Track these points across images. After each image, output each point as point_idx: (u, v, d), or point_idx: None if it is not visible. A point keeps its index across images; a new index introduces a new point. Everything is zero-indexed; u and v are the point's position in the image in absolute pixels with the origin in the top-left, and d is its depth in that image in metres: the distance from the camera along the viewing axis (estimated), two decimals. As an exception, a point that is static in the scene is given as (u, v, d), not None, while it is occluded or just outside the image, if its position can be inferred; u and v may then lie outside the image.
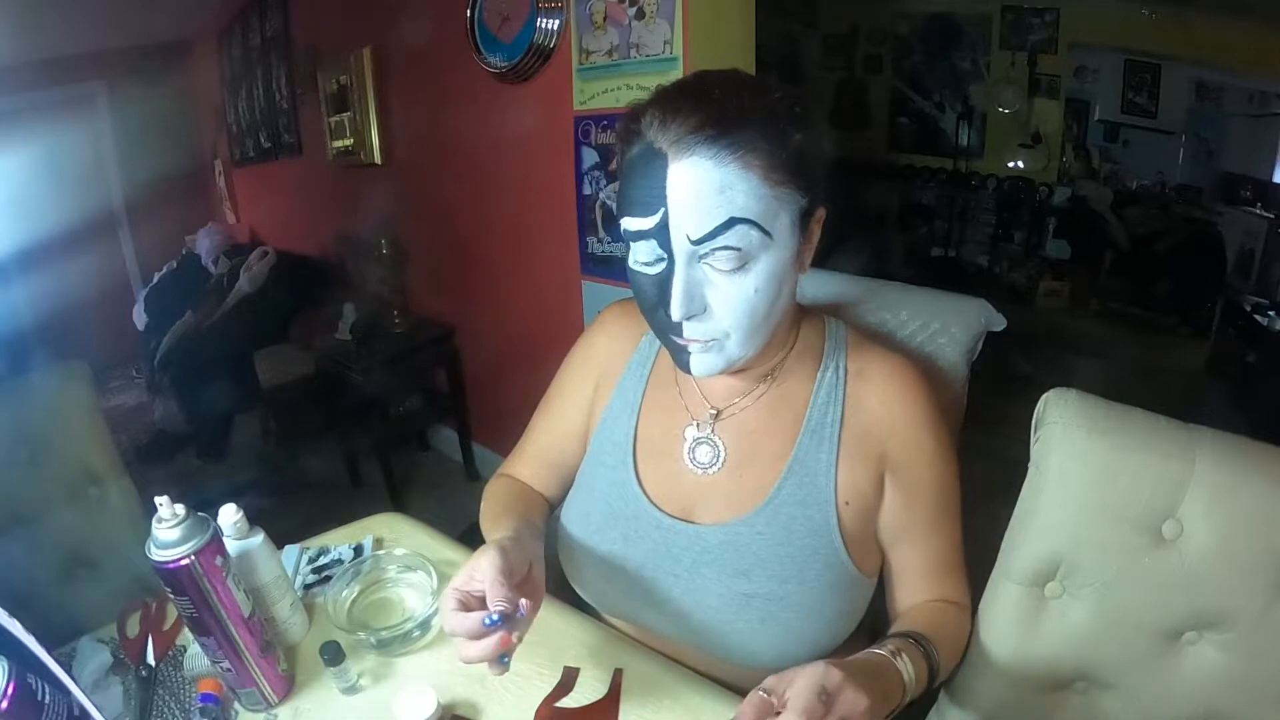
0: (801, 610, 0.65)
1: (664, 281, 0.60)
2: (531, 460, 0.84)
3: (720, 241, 0.57)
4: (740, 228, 0.57)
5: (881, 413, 0.69)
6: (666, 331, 0.63)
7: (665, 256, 0.60)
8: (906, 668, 0.59)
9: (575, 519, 0.77)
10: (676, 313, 0.59)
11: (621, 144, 0.61)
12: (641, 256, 0.61)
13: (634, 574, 0.71)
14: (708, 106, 0.57)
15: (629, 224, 0.60)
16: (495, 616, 0.54)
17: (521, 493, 0.82)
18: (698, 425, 0.72)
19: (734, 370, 0.67)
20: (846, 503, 0.67)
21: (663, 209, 0.57)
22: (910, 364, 0.71)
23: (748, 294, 0.59)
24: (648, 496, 0.72)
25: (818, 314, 0.76)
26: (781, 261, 0.60)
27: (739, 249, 0.57)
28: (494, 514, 0.76)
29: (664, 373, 0.76)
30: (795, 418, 0.70)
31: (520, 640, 0.56)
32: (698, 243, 0.57)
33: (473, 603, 0.56)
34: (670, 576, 0.69)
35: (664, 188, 0.57)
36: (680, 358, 0.64)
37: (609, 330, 0.81)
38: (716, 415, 0.72)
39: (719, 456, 0.71)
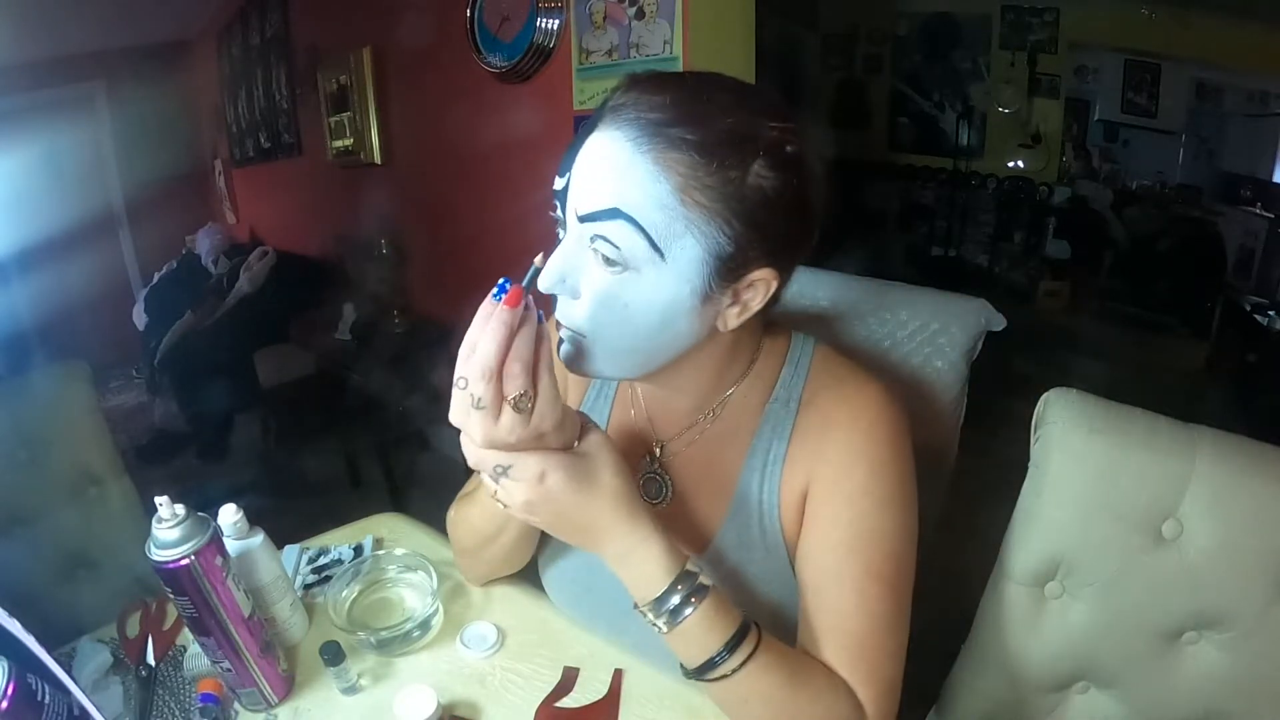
0: None
1: None
2: None
3: (599, 228, 0.49)
4: (623, 224, 0.48)
5: (819, 434, 0.60)
6: None
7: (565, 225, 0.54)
8: (699, 574, 0.52)
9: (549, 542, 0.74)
10: (543, 280, 0.52)
11: None
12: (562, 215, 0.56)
13: (600, 598, 0.69)
14: (672, 91, 0.49)
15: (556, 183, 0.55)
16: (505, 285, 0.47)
17: None
18: (649, 458, 0.67)
19: (637, 380, 0.60)
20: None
21: (569, 174, 0.52)
22: (876, 393, 0.60)
23: (616, 303, 0.51)
24: None
25: (785, 332, 0.66)
26: (672, 293, 0.50)
27: (617, 247, 0.49)
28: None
29: (624, 404, 0.71)
30: (739, 453, 0.63)
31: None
32: (582, 221, 0.50)
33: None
34: (624, 615, 0.61)
35: (578, 153, 0.51)
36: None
37: None
38: (661, 449, 0.67)
39: (665, 490, 0.66)
